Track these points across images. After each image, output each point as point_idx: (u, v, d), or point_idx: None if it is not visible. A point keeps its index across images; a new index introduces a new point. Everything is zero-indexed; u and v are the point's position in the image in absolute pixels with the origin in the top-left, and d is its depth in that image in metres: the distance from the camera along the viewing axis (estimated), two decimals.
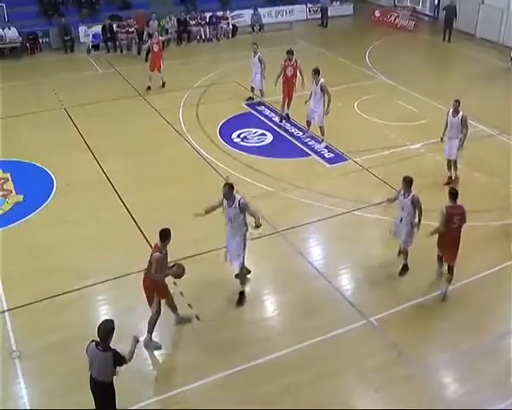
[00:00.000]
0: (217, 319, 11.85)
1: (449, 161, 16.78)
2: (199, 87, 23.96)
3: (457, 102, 16.13)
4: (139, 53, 28.56)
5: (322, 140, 19.18)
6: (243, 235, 12.18)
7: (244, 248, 12.20)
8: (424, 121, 20.55)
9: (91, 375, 8.80)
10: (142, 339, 10.48)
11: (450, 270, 12.51)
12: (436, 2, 33.35)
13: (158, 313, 10.94)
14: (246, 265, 12.46)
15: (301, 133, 19.81)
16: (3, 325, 11.61)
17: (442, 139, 16.61)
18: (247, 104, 22.15)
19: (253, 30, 33.13)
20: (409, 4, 34.31)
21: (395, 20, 34.78)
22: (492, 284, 12.91)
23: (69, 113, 21.29)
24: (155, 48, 23.76)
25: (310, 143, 19.22)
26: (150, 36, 26.50)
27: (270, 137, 19.70)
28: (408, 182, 12.79)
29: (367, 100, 22.57)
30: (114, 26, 29.66)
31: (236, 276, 12.55)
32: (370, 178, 17.17)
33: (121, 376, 8.90)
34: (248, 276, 12.86)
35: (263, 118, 21.05)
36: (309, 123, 19.41)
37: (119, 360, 8.62)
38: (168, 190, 16.13)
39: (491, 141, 19.60)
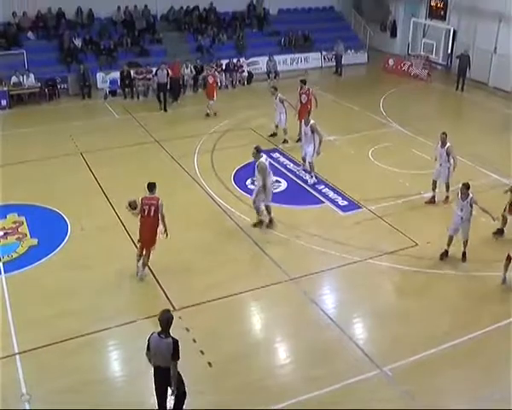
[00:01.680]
0: (228, 366, 11.75)
1: (434, 182, 18.33)
2: (214, 133, 24.18)
3: (444, 134, 17.93)
4: (165, 109, 27.91)
5: (312, 176, 19.74)
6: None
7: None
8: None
9: (156, 365, 9.67)
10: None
11: None
12: (449, 51, 33.56)
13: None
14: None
15: (315, 180, 19.89)
16: (14, 369, 11.58)
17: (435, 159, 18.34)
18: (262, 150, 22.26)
19: (269, 77, 33.43)
20: (422, 53, 34.45)
21: (409, 68, 35.02)
22: (505, 338, 12.68)
23: (85, 158, 21.51)
24: (210, 79, 26.64)
25: (323, 190, 19.27)
26: (160, 85, 27.84)
27: (284, 184, 19.78)
28: (466, 187, 14.97)
29: (381, 148, 22.64)
30: (132, 72, 30.13)
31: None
32: (384, 226, 17.15)
33: None
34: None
35: (277, 165, 21.14)
36: (304, 159, 20.13)
37: (176, 351, 9.46)
38: (181, 235, 16.14)
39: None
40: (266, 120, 25.06)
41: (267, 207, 16.93)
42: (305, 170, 20.38)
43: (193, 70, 31.07)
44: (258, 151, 16.66)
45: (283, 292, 14.14)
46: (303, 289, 14.22)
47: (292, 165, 21.17)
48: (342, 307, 13.96)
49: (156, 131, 24.29)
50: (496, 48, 31.74)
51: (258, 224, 16.95)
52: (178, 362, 9.60)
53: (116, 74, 30.27)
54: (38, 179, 19.78)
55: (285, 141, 23.20)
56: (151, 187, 14.21)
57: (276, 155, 22.11)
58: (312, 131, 19.43)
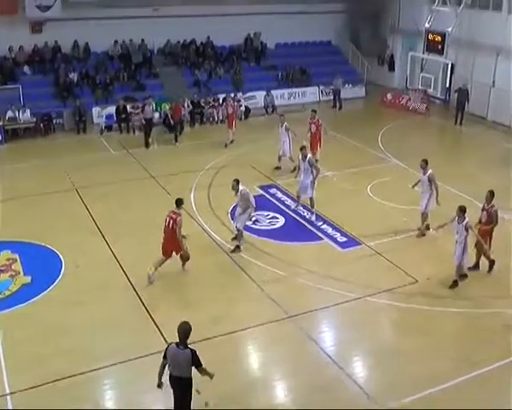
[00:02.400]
0: (225, 406, 11.68)
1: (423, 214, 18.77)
2: (211, 169, 24.27)
3: (424, 161, 18.61)
4: (147, 145, 27.90)
5: (313, 212, 19.81)
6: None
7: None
8: (438, 205, 20.61)
9: (172, 374, 10.30)
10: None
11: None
12: (447, 85, 33.84)
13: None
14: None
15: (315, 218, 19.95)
16: (5, 408, 11.51)
17: (413, 187, 19.14)
18: (259, 187, 22.30)
19: (267, 112, 33.75)
20: (420, 87, 34.73)
21: (407, 103, 35.33)
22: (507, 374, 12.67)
23: (80, 194, 21.57)
24: (230, 110, 28.16)
25: (322, 226, 19.31)
26: (146, 120, 27.89)
27: (282, 221, 19.83)
28: (462, 210, 15.29)
29: (380, 183, 22.74)
30: (128, 107, 30.35)
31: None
32: (383, 262, 17.17)
33: None
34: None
35: (275, 201, 21.22)
36: (299, 198, 20.33)
37: (197, 360, 10.19)
38: (178, 271, 16.21)
39: (506, 226, 19.53)
40: (264, 155, 25.24)
41: (239, 230, 17.62)
42: (304, 206, 20.43)
43: (190, 105, 31.29)
44: (237, 183, 17.38)
45: (282, 330, 14.10)
46: (301, 326, 14.18)
47: (289, 201, 21.21)
48: (341, 345, 13.93)
49: (152, 167, 24.39)
50: (494, 82, 32.06)
51: (237, 249, 17.57)
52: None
53: (112, 109, 30.46)
54: (33, 216, 19.81)
55: (295, 169, 22.82)
56: (178, 202, 15.90)
57: (274, 190, 22.20)
58: (311, 165, 19.62)
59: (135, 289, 15.48)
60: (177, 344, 10.24)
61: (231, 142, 27.65)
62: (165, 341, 13.12)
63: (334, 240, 18.51)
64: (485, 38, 31.72)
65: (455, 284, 15.74)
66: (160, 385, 10.57)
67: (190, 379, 10.41)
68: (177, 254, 16.03)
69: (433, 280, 16.02)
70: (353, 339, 14.07)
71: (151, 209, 20.36)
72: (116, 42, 34.44)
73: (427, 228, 18.54)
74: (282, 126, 23.90)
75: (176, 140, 28.27)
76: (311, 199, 19.85)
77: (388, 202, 20.83)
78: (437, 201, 18.41)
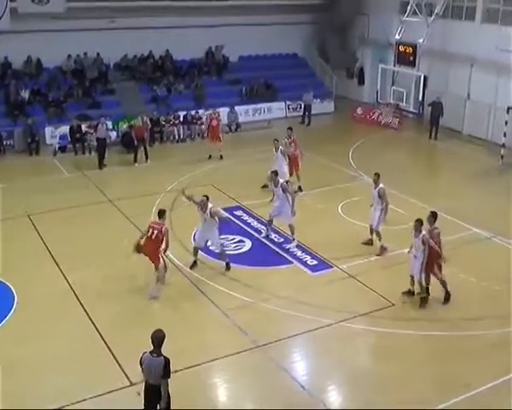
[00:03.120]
0: None
1: (371, 226, 19.19)
2: (172, 191, 24.20)
3: (376, 174, 18.98)
4: (101, 166, 27.89)
5: (293, 239, 19.76)
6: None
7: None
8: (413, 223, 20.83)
9: (149, 383, 10.81)
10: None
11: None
12: (420, 98, 34.25)
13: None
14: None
15: (282, 239, 20.03)
16: None
17: (371, 206, 19.24)
18: (223, 209, 22.12)
19: (230, 129, 33.69)
20: (392, 101, 35.09)
21: (378, 117, 35.78)
22: (491, 400, 12.78)
23: (33, 220, 21.33)
24: (214, 123, 28.28)
25: (291, 249, 19.38)
26: (99, 140, 27.89)
27: (248, 244, 19.87)
28: (420, 223, 15.89)
29: (351, 202, 22.93)
30: (83, 126, 30.18)
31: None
32: (357, 285, 17.29)
33: None
34: None
35: (240, 223, 21.26)
36: (271, 222, 20.30)
37: (167, 370, 10.63)
38: (137, 301, 16.12)
39: (486, 244, 19.91)
40: (228, 175, 25.29)
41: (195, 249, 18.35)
42: (274, 230, 20.48)
43: (148, 123, 31.01)
44: (207, 199, 17.73)
45: (250, 360, 14.10)
46: (271, 356, 14.19)
47: (256, 223, 21.30)
48: (315, 374, 13.98)
49: (110, 190, 24.27)
50: (469, 94, 32.64)
51: (194, 265, 18.29)
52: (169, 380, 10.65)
53: (66, 128, 30.25)
54: None
55: (299, 188, 23.62)
56: (160, 214, 16.79)
57: (240, 212, 22.26)
58: (283, 191, 19.53)
59: (93, 322, 15.32)
60: (150, 352, 10.73)
61: (221, 157, 28.28)
62: (126, 375, 13.09)
63: (304, 263, 18.60)
64: (459, 49, 32.41)
65: (423, 301, 16.06)
66: (140, 393, 11.22)
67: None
68: (153, 262, 16.64)
69: (410, 303, 16.18)
70: (328, 367, 14.13)
71: (109, 235, 20.26)
72: (70, 56, 34.30)
73: (383, 250, 19.07)
74: (277, 151, 23.36)
75: (135, 160, 28.21)
76: (291, 226, 19.76)
77: (360, 221, 20.86)
78: (383, 218, 18.86)
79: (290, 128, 24.84)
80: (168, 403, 10.85)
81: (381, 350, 14.52)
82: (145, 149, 28.76)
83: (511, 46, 29.68)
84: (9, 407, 12.40)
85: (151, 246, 16.44)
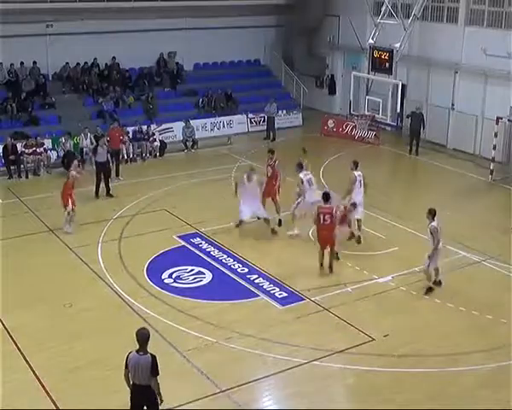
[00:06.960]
0: None
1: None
2: (121, 217, 24.12)
3: (354, 162, 21.97)
4: (108, 193, 26.96)
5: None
6: None
7: None
8: (394, 249, 21.12)
9: (135, 383, 11.61)
10: None
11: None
12: (398, 109, 34.53)
13: None
14: None
15: (246, 269, 20.06)
16: None
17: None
18: (179, 236, 22.30)
19: (186, 147, 33.63)
20: (367, 113, 35.10)
21: (352, 130, 36.00)
22: None
23: None
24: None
25: (257, 280, 19.41)
26: (99, 165, 26.95)
27: (209, 276, 19.84)
28: (431, 213, 18.20)
29: None
30: (19, 145, 29.87)
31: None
32: (332, 319, 17.35)
33: None
34: None
35: (199, 253, 21.22)
36: (242, 222, 21.68)
37: (156, 367, 11.53)
38: (85, 347, 15.96)
39: (477, 269, 20.14)
40: (184, 198, 25.25)
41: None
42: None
43: (93, 140, 30.72)
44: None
45: (214, 407, 14.02)
46: (237, 401, 14.16)
47: (217, 251, 21.30)
48: None
49: (50, 218, 23.93)
50: (453, 104, 33.10)
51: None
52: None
53: None
54: None
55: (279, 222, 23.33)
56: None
57: (198, 240, 22.21)
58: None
59: (33, 371, 15.11)
60: (137, 351, 11.57)
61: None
62: None
63: (272, 296, 18.62)
64: (441, 54, 32.97)
65: (429, 290, 18.31)
66: None
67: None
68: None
69: (391, 337, 16.28)
70: None
71: (51, 271, 20.04)
72: (1, 64, 34.06)
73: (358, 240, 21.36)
74: (250, 181, 22.53)
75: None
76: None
77: None
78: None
79: (271, 151, 24.22)
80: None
81: (360, 392, 14.54)
82: (117, 164, 28.67)
83: (501, 50, 30.08)
84: None
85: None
